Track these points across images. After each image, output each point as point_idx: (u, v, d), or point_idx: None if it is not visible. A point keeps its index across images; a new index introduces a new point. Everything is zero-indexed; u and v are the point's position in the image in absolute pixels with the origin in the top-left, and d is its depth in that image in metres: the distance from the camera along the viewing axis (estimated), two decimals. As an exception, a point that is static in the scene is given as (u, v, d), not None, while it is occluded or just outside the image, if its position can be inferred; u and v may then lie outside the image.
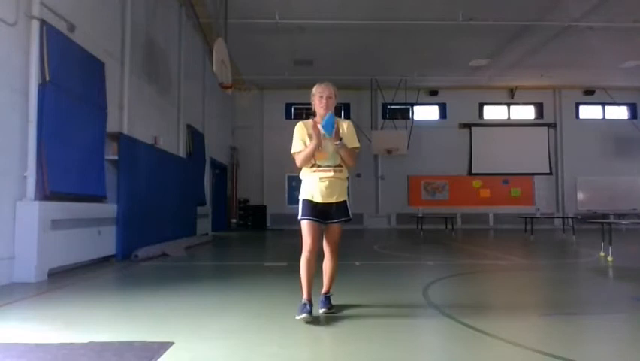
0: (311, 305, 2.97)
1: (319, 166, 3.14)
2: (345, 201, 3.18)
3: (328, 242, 3.19)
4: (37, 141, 4.58)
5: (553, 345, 2.46)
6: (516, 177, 15.94)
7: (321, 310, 3.10)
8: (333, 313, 3.10)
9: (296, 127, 3.22)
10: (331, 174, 3.10)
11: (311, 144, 3.06)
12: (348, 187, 3.24)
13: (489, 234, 12.71)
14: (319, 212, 3.09)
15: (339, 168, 3.16)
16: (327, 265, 3.24)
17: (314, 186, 3.12)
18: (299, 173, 3.25)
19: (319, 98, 3.17)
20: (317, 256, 3.08)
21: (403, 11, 9.56)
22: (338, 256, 3.25)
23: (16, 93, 4.45)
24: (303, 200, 3.15)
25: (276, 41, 11.17)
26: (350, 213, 3.20)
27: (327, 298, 3.22)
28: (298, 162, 3.15)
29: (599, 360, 2.36)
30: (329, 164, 3.13)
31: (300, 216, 3.13)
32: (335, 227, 3.17)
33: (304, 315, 2.89)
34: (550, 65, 13.01)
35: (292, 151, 3.18)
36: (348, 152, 3.11)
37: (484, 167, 15.92)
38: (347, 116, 15.80)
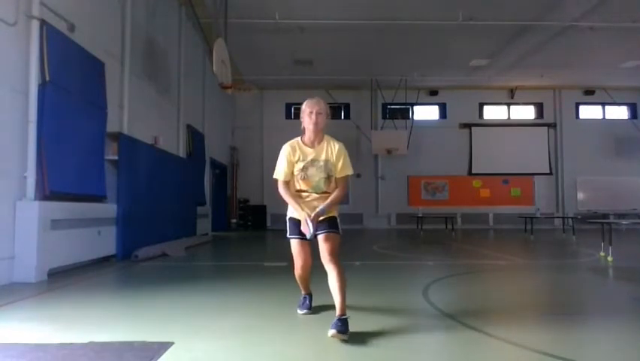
0: (310, 298, 3.20)
1: (303, 191, 2.96)
2: (334, 217, 2.93)
3: (323, 254, 2.79)
4: (37, 141, 4.58)
5: (554, 345, 2.46)
6: (516, 177, 15.94)
7: (331, 333, 2.46)
8: (346, 340, 2.47)
9: (282, 150, 2.97)
10: (316, 203, 2.89)
11: (296, 207, 2.89)
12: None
13: (489, 234, 12.71)
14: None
15: (326, 195, 2.92)
16: (331, 280, 2.72)
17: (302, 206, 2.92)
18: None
19: (309, 113, 2.86)
20: (311, 268, 3.04)
21: (403, 11, 9.56)
22: (339, 263, 2.78)
23: (16, 93, 4.46)
24: (290, 218, 3.00)
25: (276, 41, 11.17)
26: (340, 229, 2.92)
27: (341, 321, 2.54)
28: (282, 195, 2.97)
29: (598, 360, 2.35)
30: (315, 192, 2.93)
31: (288, 235, 3.00)
32: (327, 236, 2.83)
33: (305, 311, 3.11)
34: (550, 65, 13.01)
35: (275, 176, 2.98)
36: (337, 199, 2.90)
37: (484, 167, 15.92)
38: (347, 117, 15.83)
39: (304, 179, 2.90)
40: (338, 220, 2.96)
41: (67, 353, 2.27)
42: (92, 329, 2.72)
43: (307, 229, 2.80)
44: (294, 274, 3.11)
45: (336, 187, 2.93)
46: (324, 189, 2.92)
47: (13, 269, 4.30)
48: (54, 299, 3.66)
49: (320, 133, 2.91)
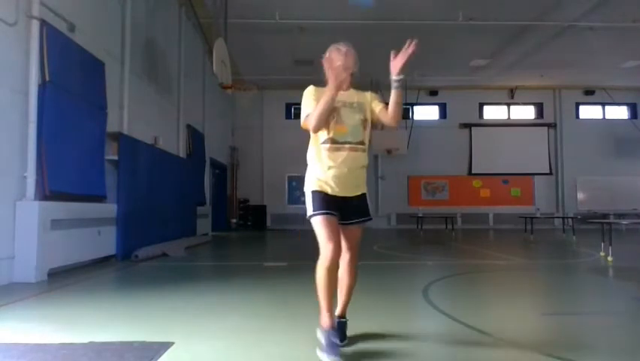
0: (337, 331, 2.32)
1: (335, 142, 2.35)
2: (365, 195, 2.49)
3: (346, 247, 2.41)
4: (37, 141, 4.59)
5: (554, 345, 2.46)
6: (516, 177, 15.94)
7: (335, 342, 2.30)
8: (345, 346, 2.33)
9: (307, 90, 2.44)
10: (353, 154, 2.35)
11: (325, 97, 2.24)
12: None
13: (489, 234, 12.71)
14: (335, 208, 2.35)
15: (362, 147, 2.41)
16: (344, 277, 2.43)
17: (327, 172, 2.34)
18: (308, 154, 2.47)
19: (336, 50, 2.42)
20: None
21: (403, 11, 9.55)
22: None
23: (16, 93, 4.46)
24: (313, 192, 2.36)
25: (276, 41, 11.17)
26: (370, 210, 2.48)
27: (341, 324, 2.42)
28: (312, 124, 2.30)
29: (598, 360, 2.35)
30: (349, 140, 2.36)
31: (311, 212, 2.32)
32: (355, 229, 2.44)
33: (335, 358, 2.10)
34: (550, 65, 13.01)
35: (303, 117, 2.36)
36: (400, 101, 2.34)
37: (484, 167, 15.91)
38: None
39: (338, 122, 2.35)
40: (368, 200, 2.51)
41: (67, 353, 2.26)
42: (92, 329, 2.72)
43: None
44: (314, 277, 2.29)
45: (381, 119, 2.44)
46: (362, 138, 2.40)
47: (13, 269, 4.30)
48: (54, 299, 3.66)
49: (349, 82, 2.44)
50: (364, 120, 2.44)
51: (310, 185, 2.40)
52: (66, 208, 4.94)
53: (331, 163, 2.34)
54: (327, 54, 2.44)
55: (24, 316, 3.13)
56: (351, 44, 2.48)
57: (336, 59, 2.38)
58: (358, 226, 2.45)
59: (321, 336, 2.27)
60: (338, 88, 2.25)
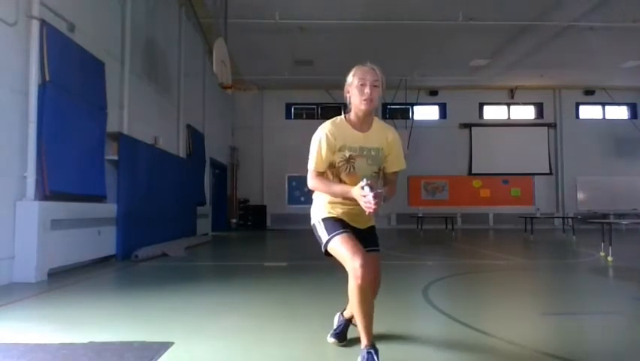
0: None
1: None
2: (374, 227, 2.36)
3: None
4: (37, 141, 4.59)
5: (554, 345, 2.46)
6: (516, 177, 15.94)
7: (332, 341, 2.45)
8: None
9: (320, 130, 2.19)
10: (360, 212, 2.12)
11: (343, 189, 2.08)
12: None
13: (489, 234, 12.70)
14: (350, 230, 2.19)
15: None
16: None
17: (338, 209, 2.23)
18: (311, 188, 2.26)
19: (359, 86, 2.11)
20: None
21: (403, 11, 9.56)
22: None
23: (16, 93, 4.46)
24: (323, 219, 2.21)
25: (276, 41, 11.17)
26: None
27: (345, 326, 2.50)
28: (316, 188, 2.21)
29: (598, 360, 2.35)
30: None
31: (326, 237, 2.13)
32: (373, 255, 2.18)
33: None
34: (550, 65, 13.01)
35: (310, 167, 2.18)
36: (392, 188, 2.22)
37: (484, 167, 15.92)
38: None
39: (350, 173, 2.16)
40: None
41: (67, 353, 2.26)
42: (92, 329, 2.72)
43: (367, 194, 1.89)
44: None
45: (385, 185, 2.26)
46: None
47: (13, 269, 4.30)
48: (54, 299, 3.66)
49: (372, 114, 2.22)
50: (378, 172, 2.27)
51: (320, 214, 2.23)
52: (66, 208, 4.94)
53: (343, 204, 2.21)
54: (349, 79, 2.19)
55: (24, 316, 3.13)
56: (375, 66, 2.17)
57: (358, 96, 2.11)
58: (375, 253, 2.22)
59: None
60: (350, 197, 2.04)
